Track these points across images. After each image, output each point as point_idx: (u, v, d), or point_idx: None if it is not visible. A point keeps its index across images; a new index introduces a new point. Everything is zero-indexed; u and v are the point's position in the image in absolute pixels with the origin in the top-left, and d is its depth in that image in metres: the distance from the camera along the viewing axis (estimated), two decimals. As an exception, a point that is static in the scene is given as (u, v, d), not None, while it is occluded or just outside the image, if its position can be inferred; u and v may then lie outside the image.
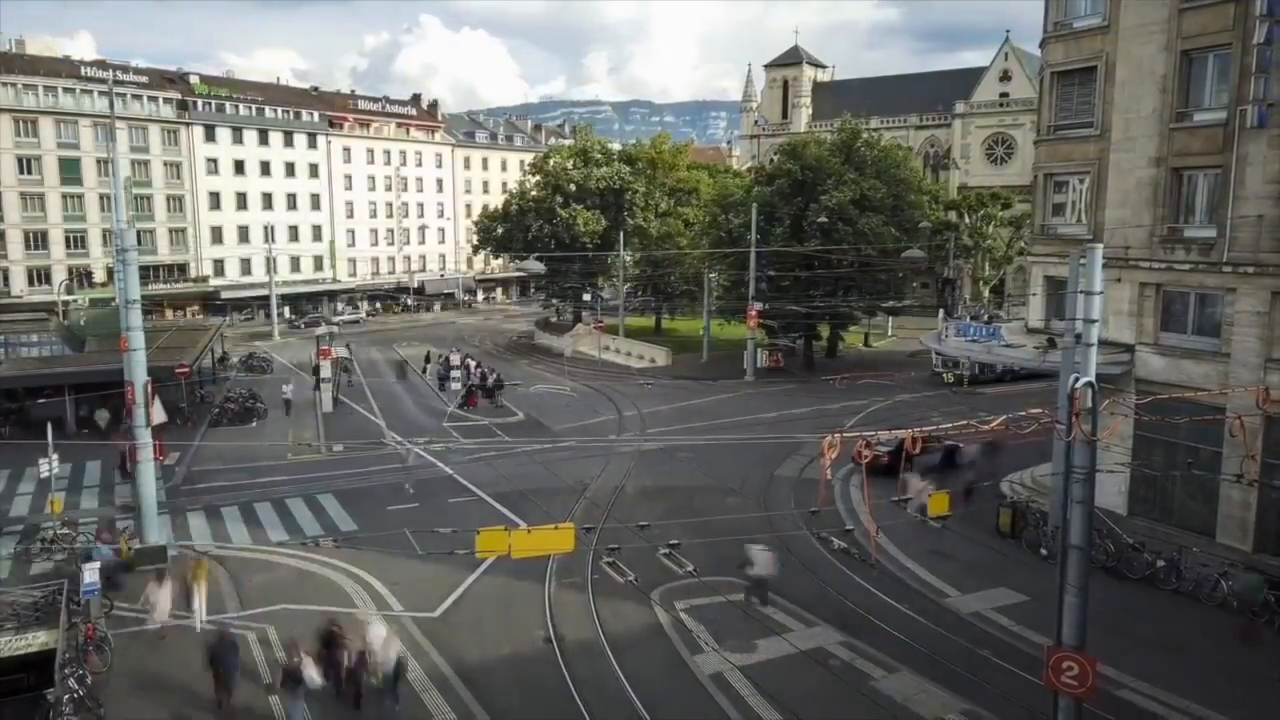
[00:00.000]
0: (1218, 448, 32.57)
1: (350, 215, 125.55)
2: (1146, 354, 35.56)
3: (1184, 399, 32.27)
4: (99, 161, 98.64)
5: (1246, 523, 32.51)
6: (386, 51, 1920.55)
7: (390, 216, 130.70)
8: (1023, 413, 25.47)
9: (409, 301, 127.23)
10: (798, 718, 22.96)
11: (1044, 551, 33.59)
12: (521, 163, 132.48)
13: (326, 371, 62.11)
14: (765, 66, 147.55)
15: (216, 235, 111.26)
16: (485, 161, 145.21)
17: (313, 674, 22.58)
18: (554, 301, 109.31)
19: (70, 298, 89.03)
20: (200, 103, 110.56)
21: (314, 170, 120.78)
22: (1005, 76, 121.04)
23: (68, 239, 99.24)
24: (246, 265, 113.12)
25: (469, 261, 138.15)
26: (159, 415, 36.02)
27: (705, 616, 28.86)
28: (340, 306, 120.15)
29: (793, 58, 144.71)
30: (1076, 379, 18.24)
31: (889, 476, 37.44)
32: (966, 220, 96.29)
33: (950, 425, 32.82)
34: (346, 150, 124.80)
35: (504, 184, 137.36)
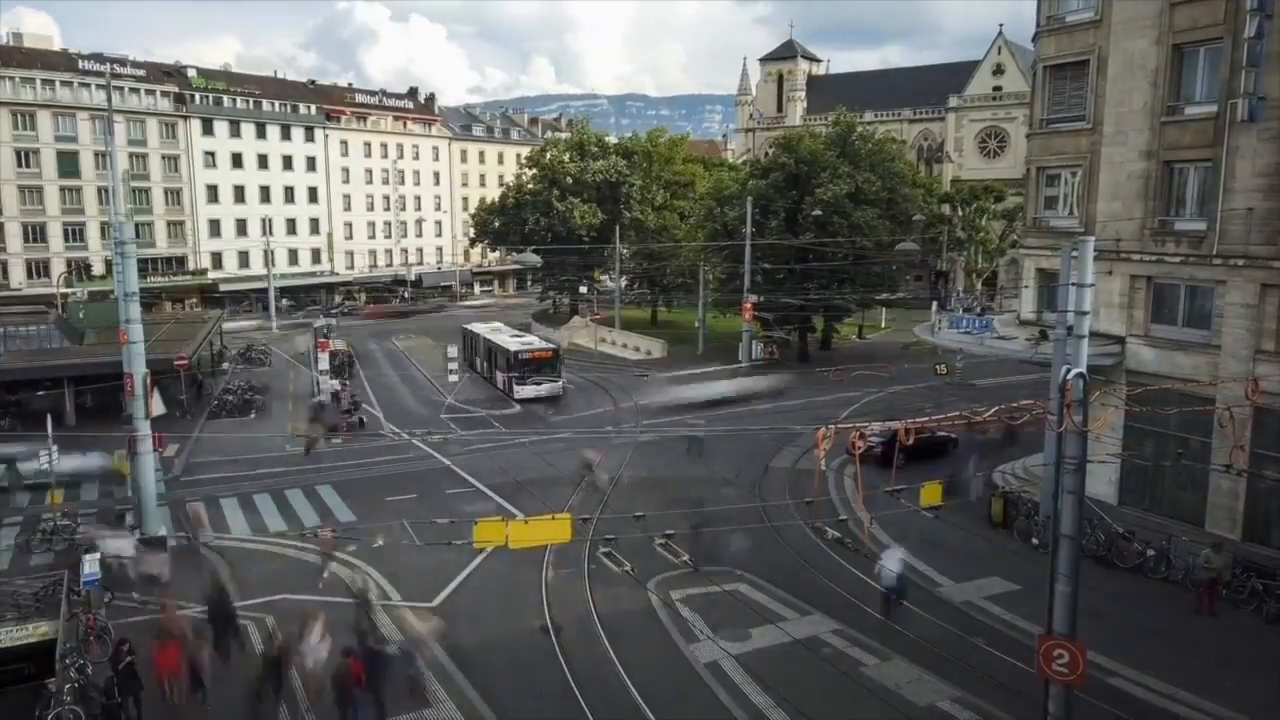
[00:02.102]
0: (1207, 438, 32.85)
1: (348, 208, 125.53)
2: (1137, 346, 35.81)
3: (1174, 390, 32.56)
4: (97, 155, 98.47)
5: (1235, 512, 32.80)
6: (325, 42, 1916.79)
7: (388, 209, 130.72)
8: (1015, 404, 25.74)
9: (406, 294, 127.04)
10: (791, 705, 23.22)
11: (1035, 541, 33.90)
12: (518, 156, 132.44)
13: (325, 364, 62.41)
14: (760, 60, 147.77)
15: (214, 228, 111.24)
16: (482, 155, 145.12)
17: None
18: (551, 294, 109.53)
19: (69, 290, 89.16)
20: (198, 96, 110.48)
21: (311, 163, 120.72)
22: (998, 70, 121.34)
23: (66, 232, 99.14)
24: (245, 258, 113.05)
25: (466, 254, 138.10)
26: (158, 407, 36.31)
27: (701, 605, 29.15)
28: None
29: (788, 51, 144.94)
30: (1068, 370, 18.45)
31: (882, 467, 37.73)
32: (960, 213, 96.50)
33: (942, 416, 33.13)
34: (344, 143, 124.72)
35: (501, 177, 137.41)
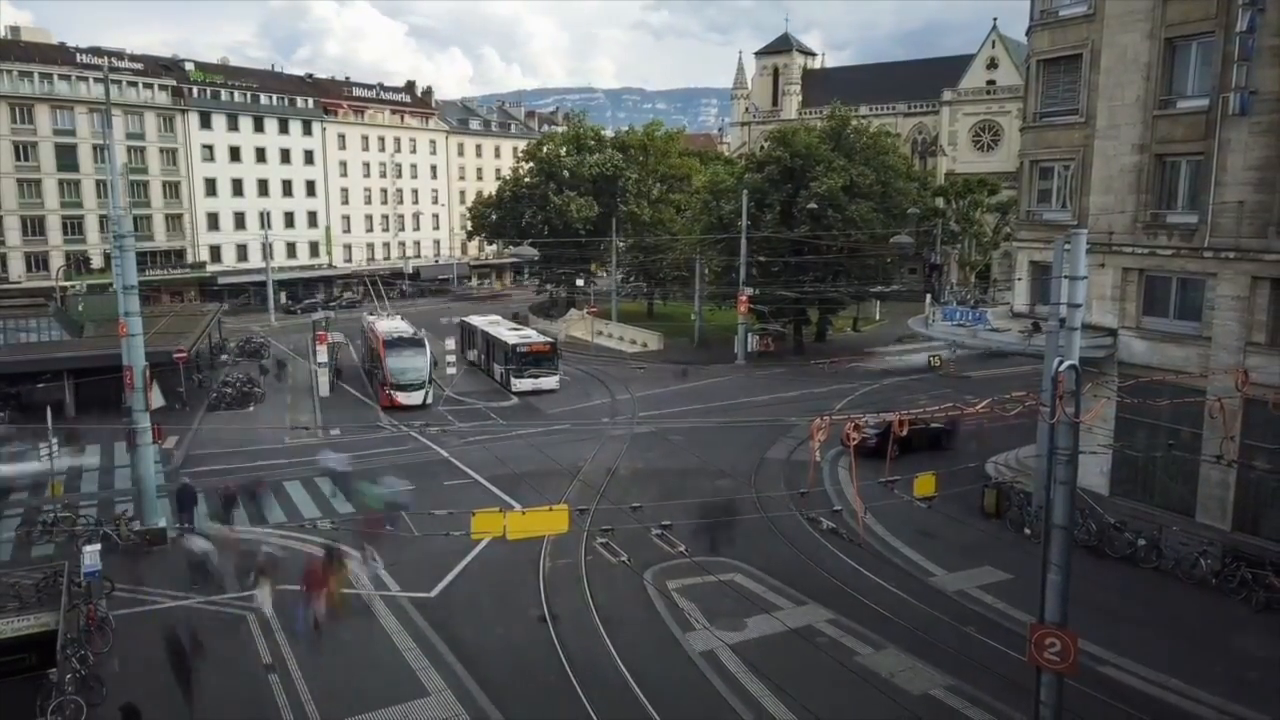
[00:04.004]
0: (1198, 429, 33.09)
1: (345, 202, 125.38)
2: (1129, 338, 36.06)
3: (1165, 382, 32.81)
4: (95, 148, 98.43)
5: (1225, 502, 33.07)
6: (272, 39, 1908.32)
7: (385, 203, 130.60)
8: (1007, 395, 25.89)
9: (404, 287, 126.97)
10: (786, 694, 23.44)
11: (1028, 531, 34.19)
12: (515, 150, 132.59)
13: (323, 356, 62.58)
14: (756, 54, 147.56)
15: (213, 221, 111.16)
16: (479, 148, 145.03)
17: None
18: (547, 287, 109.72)
19: (68, 284, 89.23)
20: (195, 89, 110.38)
21: (309, 157, 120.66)
22: (992, 64, 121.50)
23: (65, 225, 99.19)
24: (243, 251, 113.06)
25: (463, 248, 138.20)
26: (157, 399, 36.51)
27: (697, 595, 29.39)
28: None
29: (783, 45, 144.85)
30: (1060, 362, 18.62)
31: (876, 458, 37.95)
32: (954, 206, 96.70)
33: (936, 407, 33.35)
34: (341, 137, 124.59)
35: (498, 171, 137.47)
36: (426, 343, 61.72)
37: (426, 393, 58.95)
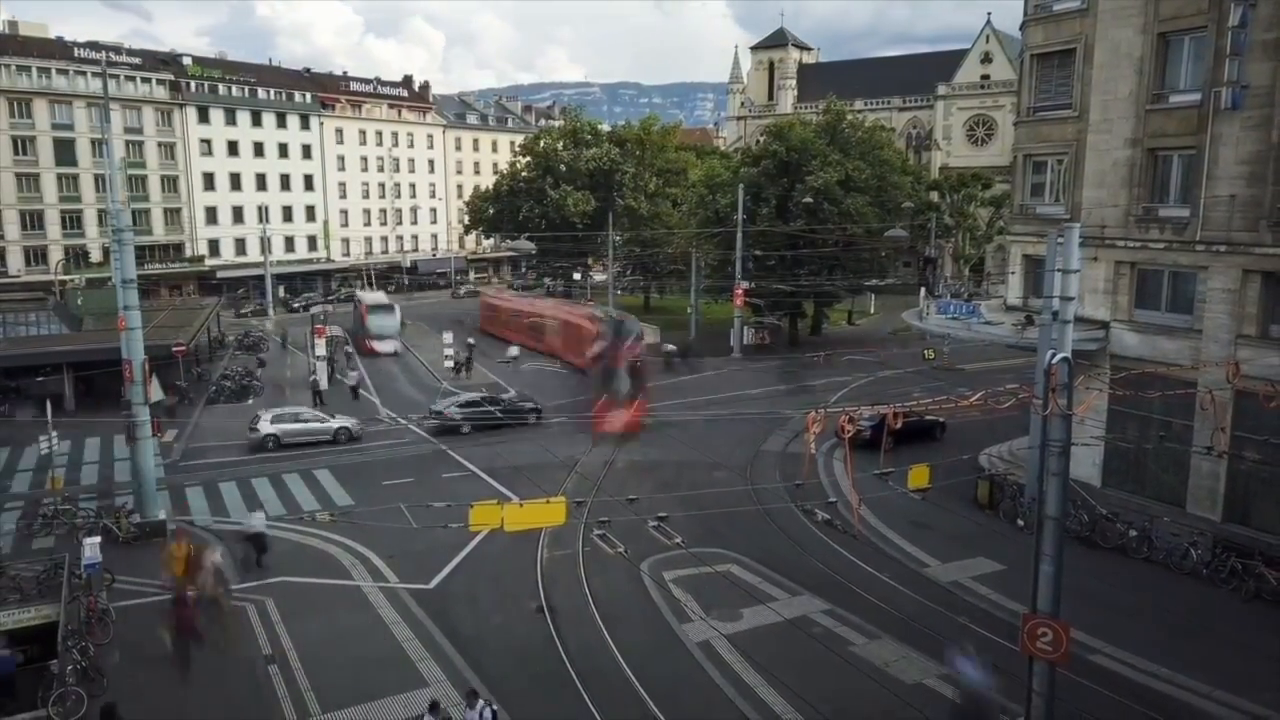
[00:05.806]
0: (1189, 421, 33.36)
1: (343, 196, 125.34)
2: (1121, 330, 36.30)
3: (1157, 374, 32.99)
4: (93, 142, 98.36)
5: (1216, 493, 33.34)
6: (213, 29, 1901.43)
7: (383, 197, 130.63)
8: (1001, 389, 26.13)
9: (403, 281, 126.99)
10: (782, 683, 23.69)
11: (1020, 522, 34.45)
12: (512, 144, 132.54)
13: (322, 350, 62.63)
14: (752, 48, 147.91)
15: (211, 216, 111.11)
16: (476, 143, 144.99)
17: None
18: (545, 281, 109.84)
19: (67, 278, 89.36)
20: (193, 84, 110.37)
21: (307, 151, 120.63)
22: (986, 59, 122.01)
23: (64, 219, 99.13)
24: (241, 245, 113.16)
25: (461, 242, 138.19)
26: (156, 393, 36.69)
27: (693, 586, 29.61)
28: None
29: (779, 40, 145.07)
30: (1053, 355, 18.80)
31: (871, 451, 38.19)
32: (948, 200, 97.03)
33: (930, 400, 33.60)
34: (339, 131, 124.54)
35: (495, 165, 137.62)
36: (396, 306, 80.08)
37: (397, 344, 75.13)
